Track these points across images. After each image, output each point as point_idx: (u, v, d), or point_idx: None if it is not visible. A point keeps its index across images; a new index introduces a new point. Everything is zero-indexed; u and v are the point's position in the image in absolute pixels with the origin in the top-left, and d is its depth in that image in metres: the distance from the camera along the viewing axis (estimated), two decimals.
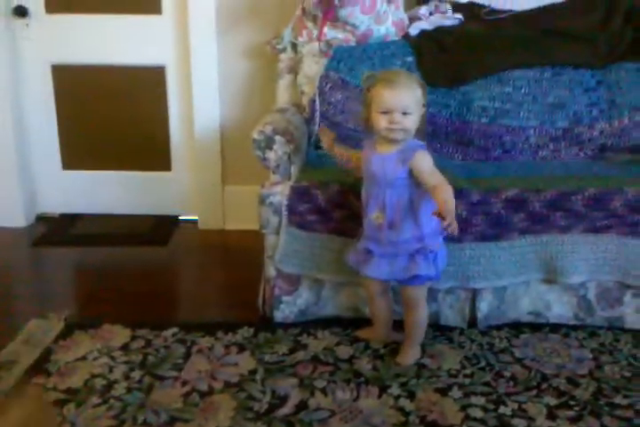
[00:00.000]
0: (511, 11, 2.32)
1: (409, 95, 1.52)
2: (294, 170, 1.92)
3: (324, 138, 1.84)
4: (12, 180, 2.69)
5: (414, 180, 1.56)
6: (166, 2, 2.57)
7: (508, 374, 1.66)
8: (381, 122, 1.54)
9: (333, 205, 1.78)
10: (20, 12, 2.56)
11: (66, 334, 1.85)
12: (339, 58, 2.20)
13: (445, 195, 1.46)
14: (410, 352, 1.70)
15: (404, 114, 1.52)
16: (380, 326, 1.79)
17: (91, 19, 2.59)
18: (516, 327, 1.86)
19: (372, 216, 1.60)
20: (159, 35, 2.61)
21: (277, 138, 1.85)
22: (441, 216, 1.43)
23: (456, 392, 1.59)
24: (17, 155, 2.67)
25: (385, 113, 1.53)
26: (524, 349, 1.77)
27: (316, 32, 2.29)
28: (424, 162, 1.55)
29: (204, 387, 1.61)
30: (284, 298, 1.88)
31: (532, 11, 2.32)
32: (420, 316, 1.69)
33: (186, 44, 2.56)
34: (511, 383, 1.62)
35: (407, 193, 1.57)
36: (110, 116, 2.71)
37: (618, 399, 1.56)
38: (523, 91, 2.10)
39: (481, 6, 2.35)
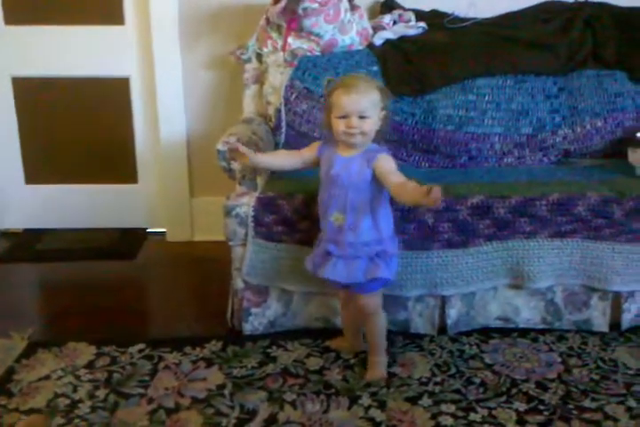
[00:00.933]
0: (474, 19, 2.34)
1: (365, 99, 1.53)
2: (260, 181, 1.91)
3: (240, 159, 1.73)
4: None
5: (376, 182, 1.56)
6: (128, 12, 2.55)
7: (477, 380, 1.66)
8: (340, 126, 1.55)
9: (300, 216, 1.77)
10: None
11: (29, 353, 1.81)
12: (303, 67, 2.20)
13: (417, 188, 1.44)
14: (377, 366, 1.68)
15: (361, 118, 1.54)
16: (349, 335, 1.77)
17: (52, 30, 2.55)
18: (486, 333, 1.87)
19: (332, 218, 1.59)
20: (122, 45, 2.58)
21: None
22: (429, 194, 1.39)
23: (426, 400, 1.58)
24: None
25: (343, 117, 1.55)
26: (493, 354, 1.78)
27: (280, 42, 2.29)
28: (388, 163, 1.57)
29: (170, 404, 1.58)
30: (253, 310, 1.86)
31: (494, 19, 2.35)
32: (379, 324, 1.68)
33: (149, 54, 2.54)
34: (481, 390, 1.62)
35: (368, 195, 1.57)
36: (74, 128, 2.66)
37: (587, 403, 1.57)
38: (486, 98, 2.12)
39: (444, 14, 2.37)
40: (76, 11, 2.54)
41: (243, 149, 1.66)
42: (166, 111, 2.57)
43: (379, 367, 1.68)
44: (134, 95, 2.64)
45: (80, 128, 2.66)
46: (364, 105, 1.53)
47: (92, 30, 2.56)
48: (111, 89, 2.62)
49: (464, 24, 2.33)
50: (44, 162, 2.71)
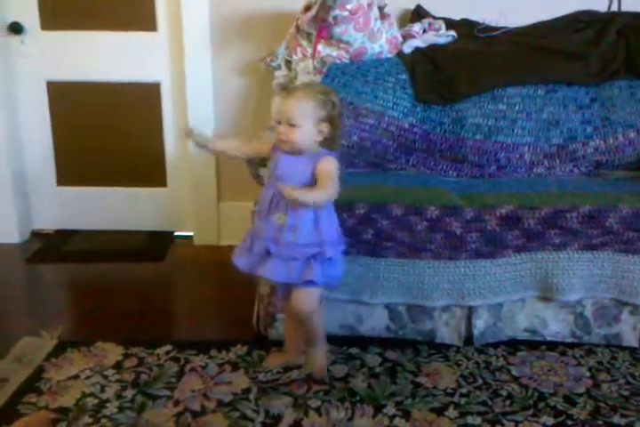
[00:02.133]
0: (505, 28, 2.33)
1: (295, 107, 1.51)
2: None
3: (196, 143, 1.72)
4: (7, 196, 2.68)
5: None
6: (161, 19, 2.59)
7: (504, 392, 1.65)
8: (276, 130, 1.56)
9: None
10: (16, 28, 2.57)
11: (58, 352, 1.84)
12: (332, 75, 2.21)
13: (314, 192, 1.47)
14: (316, 356, 1.67)
15: (290, 126, 1.52)
16: (289, 346, 1.75)
17: (86, 35, 2.60)
18: (513, 345, 1.85)
19: (275, 217, 1.57)
20: (154, 51, 2.62)
21: None
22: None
23: (452, 412, 1.57)
24: (12, 171, 2.67)
25: (278, 123, 1.54)
26: (520, 367, 1.76)
27: (310, 50, 2.30)
28: (330, 165, 1.54)
29: (196, 406, 1.59)
30: (279, 315, 1.86)
31: (525, 28, 2.34)
32: (316, 321, 1.64)
33: (181, 60, 2.57)
34: (508, 402, 1.61)
35: None
36: (106, 132, 2.71)
37: (616, 419, 1.55)
38: (517, 108, 2.11)
39: (475, 23, 2.37)
40: (110, 17, 2.59)
41: (196, 138, 1.67)
42: (196, 116, 2.60)
43: (318, 357, 1.67)
44: (165, 100, 2.67)
45: (111, 132, 2.71)
46: (292, 113, 1.51)
47: (126, 36, 2.60)
48: (142, 94, 2.66)
49: (494, 33, 2.32)
50: (75, 164, 2.76)
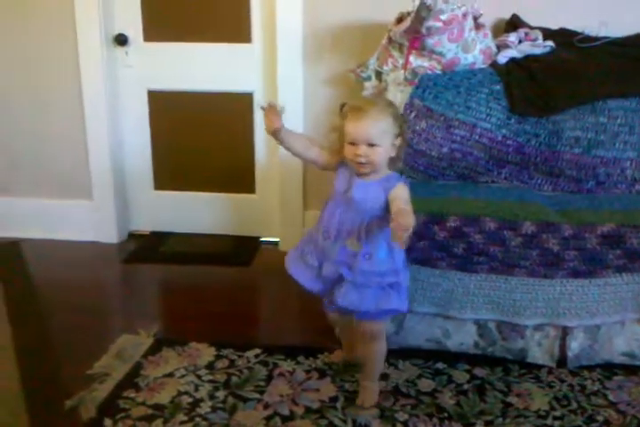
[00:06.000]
0: (605, 38, 2.25)
1: (375, 126, 1.46)
2: None
3: (270, 122, 1.63)
4: (109, 198, 2.85)
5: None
6: (256, 31, 2.68)
7: (601, 418, 1.59)
8: (348, 153, 1.50)
9: (417, 235, 1.76)
10: (121, 40, 2.73)
11: (155, 350, 1.93)
12: (424, 86, 2.19)
13: (407, 219, 1.36)
14: (369, 391, 1.65)
15: (370, 145, 1.47)
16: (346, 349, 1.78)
17: (185, 47, 2.72)
18: (609, 369, 1.79)
19: (347, 242, 1.54)
20: (249, 62, 2.71)
21: None
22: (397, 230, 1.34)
23: None
24: (113, 175, 2.83)
25: (352, 144, 1.49)
26: (618, 392, 1.70)
27: (401, 60, 2.31)
28: (404, 192, 1.50)
29: (285, 411, 1.64)
30: None
31: (627, 38, 2.25)
32: (379, 351, 1.63)
33: (273, 70, 2.65)
34: None
35: (385, 224, 1.48)
36: (200, 139, 2.83)
37: None
38: (618, 121, 2.01)
39: (573, 33, 2.30)
40: (208, 29, 2.70)
41: (278, 112, 1.57)
42: (286, 126, 2.65)
43: (371, 393, 1.64)
44: (257, 109, 2.76)
45: (206, 139, 2.82)
46: (372, 132, 1.46)
47: (222, 48, 2.71)
48: (236, 103, 2.76)
49: (595, 43, 2.24)
50: (171, 170, 2.90)
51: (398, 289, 1.55)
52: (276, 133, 1.62)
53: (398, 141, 1.53)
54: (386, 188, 1.50)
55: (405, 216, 1.36)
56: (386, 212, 1.49)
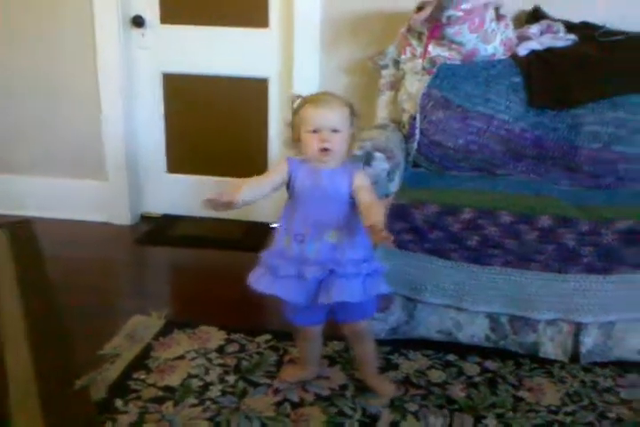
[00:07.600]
0: (627, 32, 2.22)
1: (337, 113, 1.47)
2: (392, 188, 1.93)
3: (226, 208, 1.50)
4: (122, 180, 2.86)
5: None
6: (273, 16, 2.65)
7: (612, 415, 1.59)
8: (312, 141, 1.47)
9: (431, 226, 1.77)
10: (138, 22, 2.72)
11: (165, 332, 1.94)
12: (442, 76, 2.18)
13: (379, 216, 1.36)
14: (386, 382, 1.67)
15: (334, 131, 1.47)
16: (308, 363, 1.74)
17: (202, 30, 2.71)
18: (622, 366, 1.78)
19: (330, 235, 1.51)
20: (265, 48, 2.69)
21: (377, 155, 1.84)
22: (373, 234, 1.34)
23: None
24: (127, 157, 2.84)
25: (315, 132, 1.47)
26: (630, 390, 1.69)
27: (420, 49, 2.29)
28: (366, 179, 1.52)
29: (295, 398, 1.64)
30: (376, 315, 1.87)
31: None
32: (373, 345, 1.66)
33: (290, 57, 2.63)
34: (616, 426, 1.55)
35: (353, 210, 1.49)
36: (213, 123, 2.82)
37: None
38: (639, 116, 2.00)
39: (595, 27, 2.27)
40: (226, 13, 2.68)
41: (225, 197, 1.47)
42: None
43: (387, 383, 1.68)
44: (272, 95, 2.75)
45: (219, 124, 2.81)
46: (336, 118, 1.47)
47: (239, 32, 2.69)
48: (251, 88, 2.75)
49: (617, 37, 2.21)
50: (184, 153, 2.90)
51: (380, 272, 1.56)
52: (234, 205, 1.50)
53: (351, 131, 1.52)
54: (350, 173, 1.51)
55: (374, 214, 1.37)
56: (350, 199, 1.49)
